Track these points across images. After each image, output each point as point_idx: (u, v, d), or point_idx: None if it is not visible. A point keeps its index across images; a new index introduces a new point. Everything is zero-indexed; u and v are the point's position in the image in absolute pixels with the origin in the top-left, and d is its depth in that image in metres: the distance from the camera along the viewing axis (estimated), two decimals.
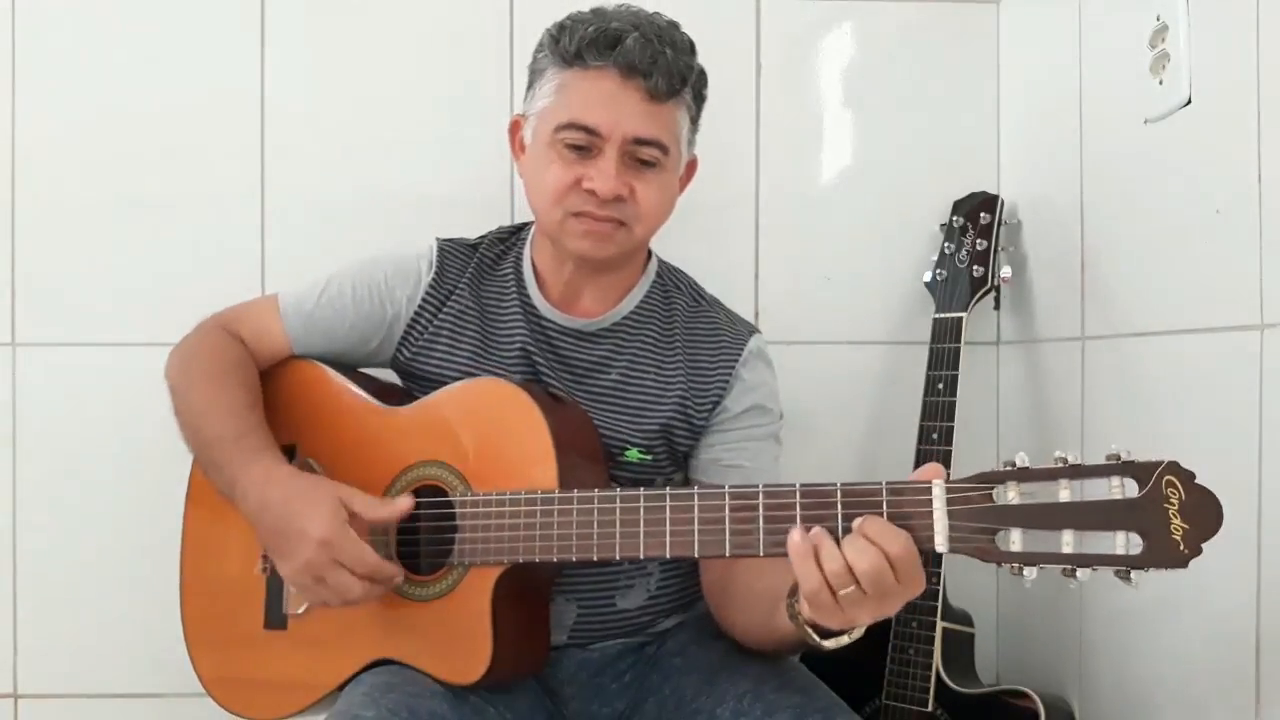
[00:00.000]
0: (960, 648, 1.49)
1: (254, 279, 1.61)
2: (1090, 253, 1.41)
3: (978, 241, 1.53)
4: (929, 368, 1.50)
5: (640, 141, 1.17)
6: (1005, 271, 1.52)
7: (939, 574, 1.44)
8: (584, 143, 1.17)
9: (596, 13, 1.20)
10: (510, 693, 1.18)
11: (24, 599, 1.61)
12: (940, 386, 1.48)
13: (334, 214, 1.61)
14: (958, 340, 1.49)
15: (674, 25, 1.21)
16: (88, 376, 1.59)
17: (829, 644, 0.98)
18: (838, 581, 0.91)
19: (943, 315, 1.52)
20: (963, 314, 1.51)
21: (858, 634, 0.97)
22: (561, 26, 1.20)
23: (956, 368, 1.48)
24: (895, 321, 1.65)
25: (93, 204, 1.60)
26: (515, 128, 1.27)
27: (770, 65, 1.65)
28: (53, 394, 1.61)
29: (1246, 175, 1.08)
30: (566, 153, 1.18)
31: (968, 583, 1.61)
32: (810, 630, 0.98)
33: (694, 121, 1.25)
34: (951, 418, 1.46)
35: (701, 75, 1.24)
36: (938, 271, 1.56)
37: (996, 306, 1.62)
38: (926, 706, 1.43)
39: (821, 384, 1.64)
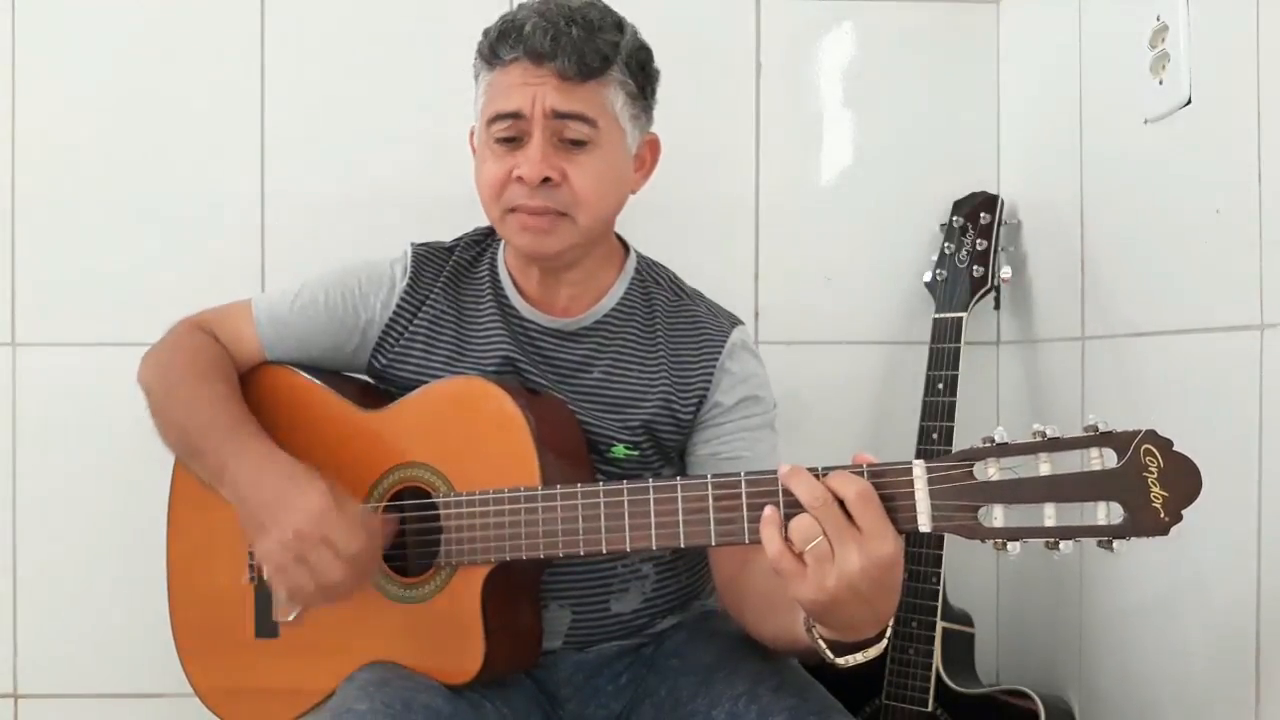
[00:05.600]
0: (960, 648, 1.49)
1: (253, 279, 1.61)
2: (1090, 253, 1.41)
3: (978, 241, 1.53)
4: (929, 368, 1.50)
5: (562, 115, 1.15)
6: (1005, 271, 1.52)
7: (939, 574, 1.44)
8: (512, 133, 1.16)
9: (517, 7, 1.19)
10: (506, 688, 1.18)
11: (24, 599, 1.61)
12: (940, 386, 1.48)
13: (335, 214, 1.61)
14: (958, 340, 1.49)
15: (590, 4, 1.18)
16: (88, 376, 1.59)
17: (842, 661, 0.96)
18: (798, 532, 0.89)
19: (943, 315, 1.52)
20: (963, 314, 1.51)
21: (874, 653, 0.96)
22: (486, 30, 1.20)
23: (956, 368, 1.48)
24: (895, 321, 1.65)
25: (92, 204, 1.60)
26: (472, 137, 1.27)
27: (770, 65, 1.65)
28: (53, 394, 1.61)
29: (1246, 175, 1.08)
30: (498, 147, 1.18)
31: (968, 583, 1.61)
32: (824, 646, 0.96)
33: (636, 98, 1.21)
34: (951, 418, 1.46)
35: (639, 50, 1.20)
36: (938, 271, 1.56)
37: (996, 306, 1.62)
38: (926, 706, 1.43)
39: (821, 384, 1.64)
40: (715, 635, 1.24)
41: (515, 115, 1.16)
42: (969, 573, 1.62)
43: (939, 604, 1.44)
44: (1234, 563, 1.11)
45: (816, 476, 0.91)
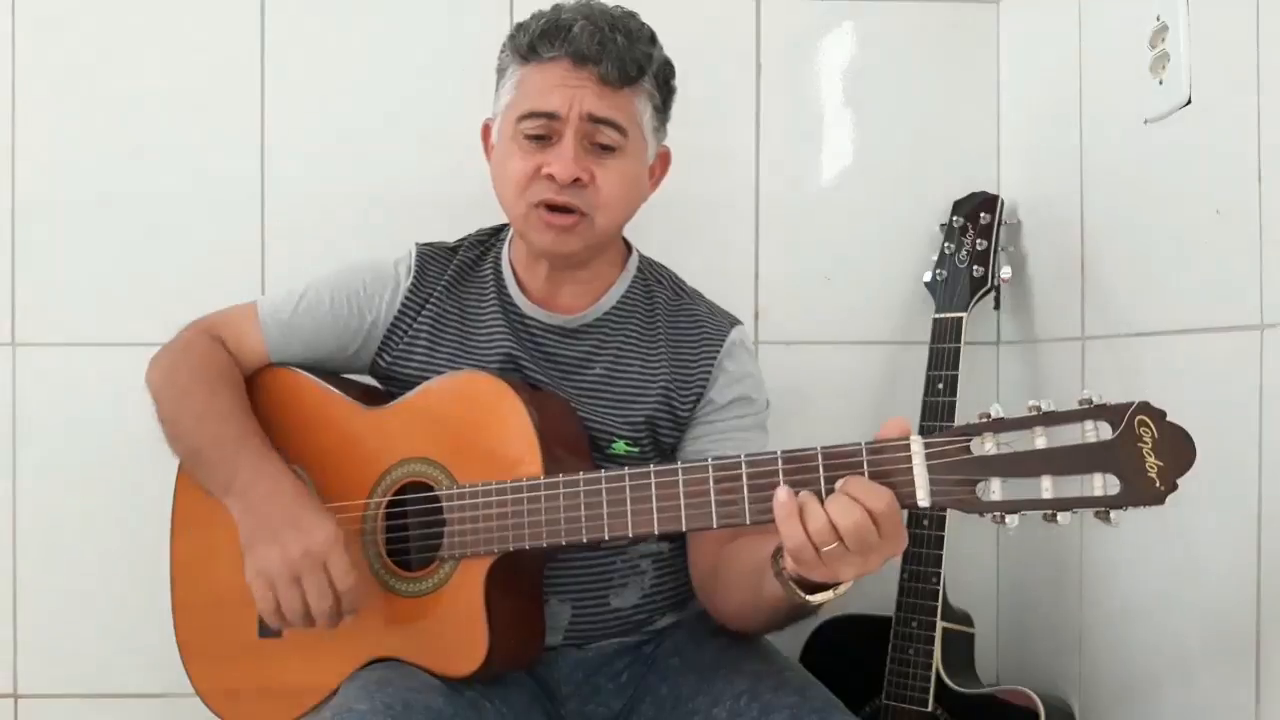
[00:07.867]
0: (960, 648, 1.49)
1: (254, 279, 1.61)
2: (1090, 253, 1.41)
3: (978, 241, 1.53)
4: (929, 368, 1.50)
5: (597, 120, 1.18)
6: (1005, 271, 1.52)
7: (939, 574, 1.44)
8: (544, 131, 1.19)
9: (554, 7, 1.22)
10: (507, 687, 1.18)
11: (24, 599, 1.61)
12: (940, 386, 1.48)
13: (335, 214, 1.61)
14: (958, 340, 1.49)
15: (630, 14, 1.22)
16: (88, 376, 1.59)
17: (815, 599, 0.99)
18: (821, 539, 0.92)
19: (943, 315, 1.52)
20: (963, 314, 1.51)
21: (843, 590, 0.98)
22: (519, 25, 1.22)
23: (956, 368, 1.48)
24: (895, 321, 1.65)
25: (93, 203, 1.60)
26: (486, 131, 1.29)
27: (770, 65, 1.65)
28: (53, 394, 1.61)
29: (1246, 175, 1.08)
30: (526, 143, 1.20)
31: (968, 583, 1.61)
32: (795, 586, 0.98)
33: (659, 111, 1.25)
34: (951, 418, 1.46)
35: (665, 66, 1.25)
36: (938, 271, 1.56)
37: (996, 306, 1.62)
38: (926, 706, 1.43)
39: (821, 384, 1.64)
40: (715, 634, 1.24)
41: (550, 115, 1.18)
42: (969, 573, 1.62)
43: (939, 604, 1.44)
44: (1234, 562, 1.11)
45: (817, 494, 0.93)
